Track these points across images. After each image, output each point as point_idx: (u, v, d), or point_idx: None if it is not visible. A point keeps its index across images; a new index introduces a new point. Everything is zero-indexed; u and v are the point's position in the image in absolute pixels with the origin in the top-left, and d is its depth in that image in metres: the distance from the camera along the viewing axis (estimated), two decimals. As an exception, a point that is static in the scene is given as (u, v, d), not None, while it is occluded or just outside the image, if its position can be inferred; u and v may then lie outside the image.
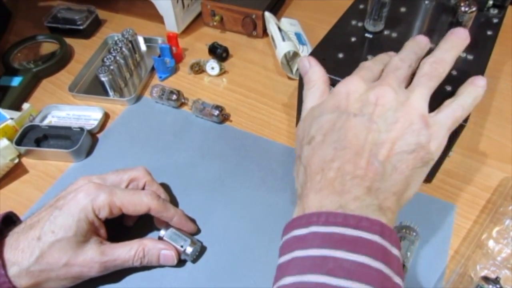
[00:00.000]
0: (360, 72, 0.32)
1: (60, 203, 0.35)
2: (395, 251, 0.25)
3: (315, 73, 0.35)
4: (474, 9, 0.41)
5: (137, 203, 0.37)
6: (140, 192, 0.38)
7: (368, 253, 0.24)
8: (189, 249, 0.38)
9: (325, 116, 0.30)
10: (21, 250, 0.33)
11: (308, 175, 0.28)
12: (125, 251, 0.37)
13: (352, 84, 0.31)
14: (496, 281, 0.35)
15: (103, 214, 0.36)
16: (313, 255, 0.24)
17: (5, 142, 0.47)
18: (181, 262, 0.40)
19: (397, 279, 0.24)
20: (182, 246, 0.38)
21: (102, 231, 0.37)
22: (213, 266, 0.40)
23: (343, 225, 0.25)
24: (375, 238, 0.24)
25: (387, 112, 0.28)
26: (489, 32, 0.48)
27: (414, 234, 0.40)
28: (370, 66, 0.33)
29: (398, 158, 0.27)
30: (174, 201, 0.45)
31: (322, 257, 0.24)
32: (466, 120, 0.37)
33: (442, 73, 0.31)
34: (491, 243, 0.40)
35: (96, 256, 0.35)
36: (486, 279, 0.35)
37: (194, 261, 0.40)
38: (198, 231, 0.42)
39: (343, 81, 0.32)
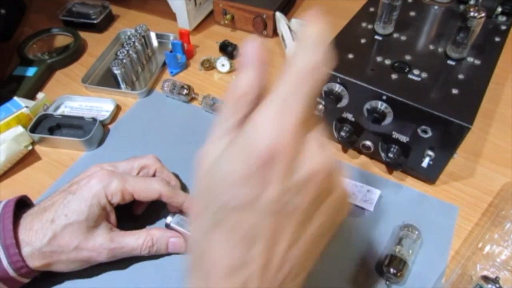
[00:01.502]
0: None
1: (74, 188, 0.37)
2: None
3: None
4: (483, 14, 0.42)
5: (148, 189, 0.38)
6: (151, 179, 0.40)
7: None
8: None
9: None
10: (35, 231, 0.35)
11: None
12: (134, 240, 0.38)
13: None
14: (495, 280, 0.35)
15: (116, 200, 0.37)
16: None
17: (20, 129, 0.48)
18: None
19: None
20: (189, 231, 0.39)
21: (113, 218, 0.38)
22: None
23: None
24: None
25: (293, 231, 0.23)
26: (496, 39, 0.49)
27: (416, 233, 0.40)
28: None
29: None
30: (184, 188, 0.46)
31: None
32: (471, 123, 0.38)
33: None
34: (491, 245, 0.41)
35: (105, 242, 0.36)
36: (485, 278, 0.36)
37: None
38: None
39: None
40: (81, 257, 0.36)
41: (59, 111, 0.55)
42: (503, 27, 0.51)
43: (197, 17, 0.70)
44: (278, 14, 0.66)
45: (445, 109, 0.39)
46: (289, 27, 0.63)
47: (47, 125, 0.51)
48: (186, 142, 0.51)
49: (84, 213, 0.35)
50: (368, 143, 0.47)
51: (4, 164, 0.47)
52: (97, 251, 0.36)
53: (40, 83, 0.59)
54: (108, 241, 0.37)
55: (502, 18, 0.52)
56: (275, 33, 0.68)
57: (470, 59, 0.46)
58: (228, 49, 0.63)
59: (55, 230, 0.35)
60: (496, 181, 0.48)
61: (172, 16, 0.68)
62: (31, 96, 0.56)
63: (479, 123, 0.54)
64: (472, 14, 0.42)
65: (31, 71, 0.59)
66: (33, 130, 0.50)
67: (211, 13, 0.73)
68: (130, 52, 0.59)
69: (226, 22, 0.69)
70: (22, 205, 0.38)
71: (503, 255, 0.40)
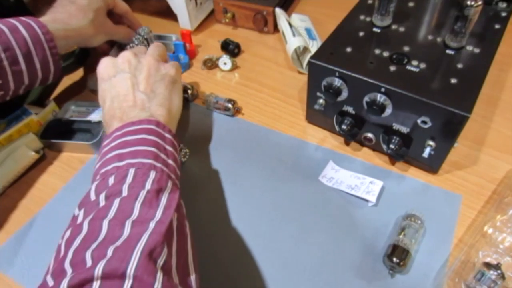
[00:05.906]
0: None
1: None
2: (167, 134, 0.40)
3: None
4: (479, 3, 0.42)
5: None
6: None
7: (146, 132, 0.38)
8: None
9: (102, 85, 0.45)
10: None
11: (107, 117, 0.42)
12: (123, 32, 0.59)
13: (109, 60, 0.46)
14: (497, 267, 0.36)
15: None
16: (113, 145, 0.37)
17: (30, 135, 0.50)
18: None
19: (168, 147, 0.39)
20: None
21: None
22: (224, 253, 0.42)
23: (130, 125, 0.38)
24: (152, 126, 0.39)
25: (135, 65, 0.45)
26: (497, 26, 0.49)
27: (419, 222, 0.41)
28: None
29: (155, 85, 0.43)
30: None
31: (120, 143, 0.37)
32: (470, 112, 0.38)
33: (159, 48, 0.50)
34: (494, 232, 0.41)
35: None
36: (487, 265, 0.36)
37: None
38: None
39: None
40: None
41: (67, 116, 0.56)
42: (504, 14, 0.51)
43: (198, 17, 0.71)
44: (278, 10, 0.66)
45: (443, 99, 0.39)
46: (289, 23, 0.63)
47: (56, 130, 0.53)
48: (190, 140, 0.53)
49: None
50: (369, 135, 0.48)
51: (17, 170, 0.49)
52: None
53: (48, 90, 0.61)
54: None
55: (503, 5, 0.52)
56: (276, 29, 0.69)
57: (469, 48, 0.46)
58: (229, 47, 0.64)
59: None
60: (499, 169, 0.48)
61: (173, 17, 0.70)
62: (40, 103, 0.57)
63: (482, 111, 0.54)
64: (469, 2, 0.42)
65: (39, 78, 0.61)
66: (43, 135, 0.52)
67: (212, 12, 0.73)
68: (134, 55, 0.60)
69: (227, 20, 0.70)
70: None
71: (506, 241, 0.41)
